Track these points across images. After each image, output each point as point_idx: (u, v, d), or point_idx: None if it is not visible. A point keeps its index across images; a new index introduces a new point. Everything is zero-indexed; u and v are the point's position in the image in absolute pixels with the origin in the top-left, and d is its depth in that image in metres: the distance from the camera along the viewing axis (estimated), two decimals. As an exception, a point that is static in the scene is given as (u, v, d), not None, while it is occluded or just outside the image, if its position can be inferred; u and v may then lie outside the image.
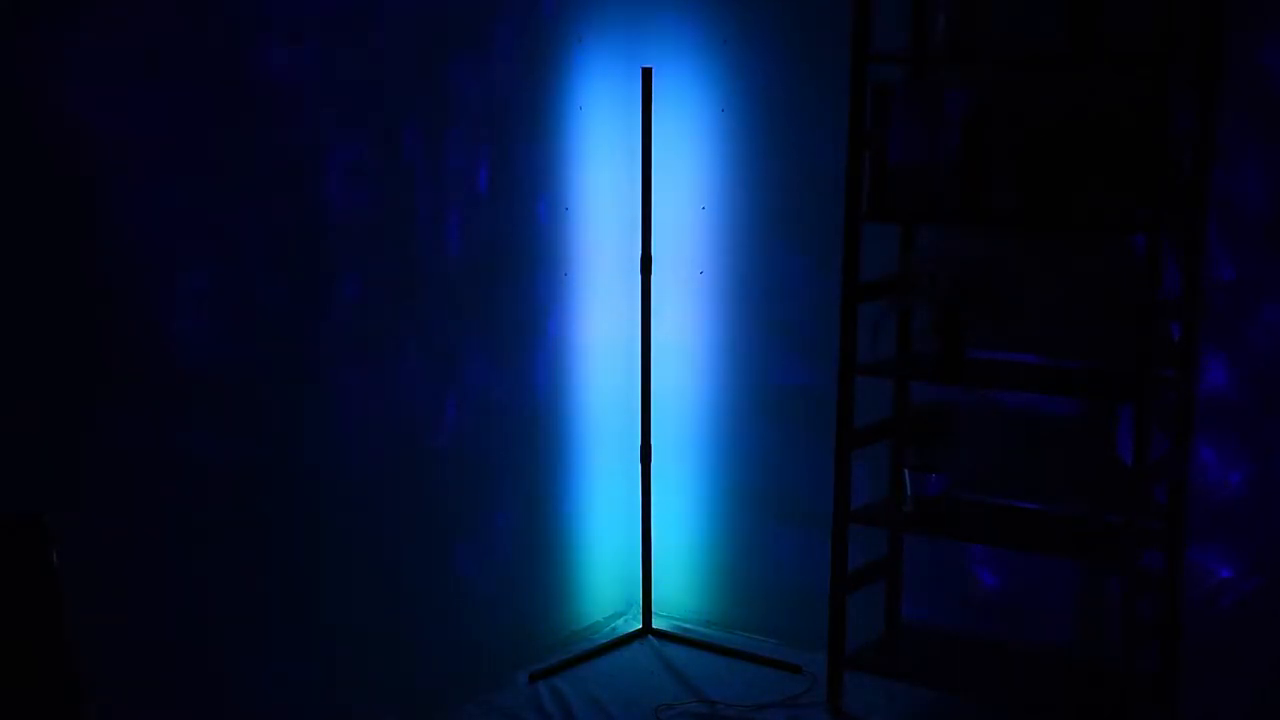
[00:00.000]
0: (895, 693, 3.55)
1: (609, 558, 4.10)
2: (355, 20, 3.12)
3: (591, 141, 3.87)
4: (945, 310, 3.38)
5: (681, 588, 4.13)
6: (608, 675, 3.73)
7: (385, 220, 3.26)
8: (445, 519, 3.53)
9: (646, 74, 3.75)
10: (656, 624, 4.05)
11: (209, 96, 2.82)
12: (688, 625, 4.08)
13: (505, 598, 3.74)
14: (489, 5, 3.48)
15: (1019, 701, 3.33)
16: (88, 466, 2.66)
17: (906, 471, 3.47)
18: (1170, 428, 3.25)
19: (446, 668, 3.54)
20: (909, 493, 3.46)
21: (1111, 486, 3.34)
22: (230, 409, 2.93)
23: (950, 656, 3.55)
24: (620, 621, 4.12)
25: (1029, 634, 3.55)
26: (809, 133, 3.70)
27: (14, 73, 2.48)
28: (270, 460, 3.02)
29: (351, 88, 3.13)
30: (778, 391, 3.88)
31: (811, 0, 3.65)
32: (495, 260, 3.60)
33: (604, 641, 3.93)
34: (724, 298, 3.94)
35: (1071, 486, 3.42)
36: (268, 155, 2.95)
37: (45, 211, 2.56)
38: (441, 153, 3.38)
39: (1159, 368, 3.22)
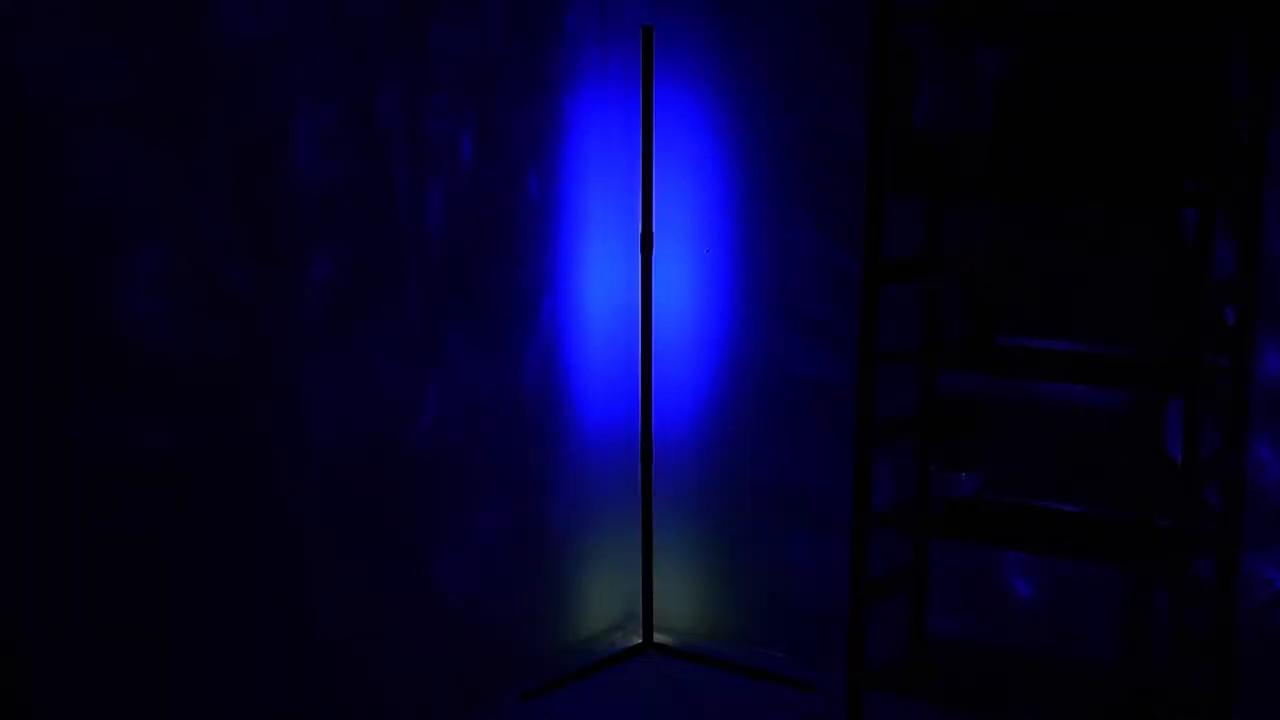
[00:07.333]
0: (920, 714, 3.55)
1: (606, 565, 4.11)
2: (326, -28, 3.11)
3: (587, 107, 3.84)
4: (976, 292, 3.38)
5: (685, 598, 4.14)
6: (605, 694, 3.74)
7: (359, 194, 3.25)
8: (426, 523, 3.53)
9: (647, 33, 3.73)
10: (658, 638, 4.05)
11: (164, 55, 2.80)
12: (692, 639, 4.08)
13: (493, 610, 3.75)
14: (474, -43, 3.47)
15: (1057, 723, 3.33)
16: (32, 464, 2.63)
17: (933, 470, 3.48)
18: (1224, 422, 3.24)
19: (429, 686, 3.54)
20: (936, 494, 3.46)
21: (1159, 487, 3.35)
22: (187, 402, 2.92)
23: (981, 674, 3.58)
24: (619, 635, 4.13)
25: (1068, 649, 3.55)
26: (827, 97, 3.71)
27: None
28: (232, 459, 3.01)
29: (322, 47, 3.12)
30: (792, 382, 3.88)
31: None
32: (481, 238, 3.59)
33: (601, 657, 3.94)
34: (732, 279, 3.93)
35: (1115, 487, 3.42)
36: (229, 121, 2.93)
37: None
38: (422, 119, 3.38)
39: (1212, 355, 3.23)
